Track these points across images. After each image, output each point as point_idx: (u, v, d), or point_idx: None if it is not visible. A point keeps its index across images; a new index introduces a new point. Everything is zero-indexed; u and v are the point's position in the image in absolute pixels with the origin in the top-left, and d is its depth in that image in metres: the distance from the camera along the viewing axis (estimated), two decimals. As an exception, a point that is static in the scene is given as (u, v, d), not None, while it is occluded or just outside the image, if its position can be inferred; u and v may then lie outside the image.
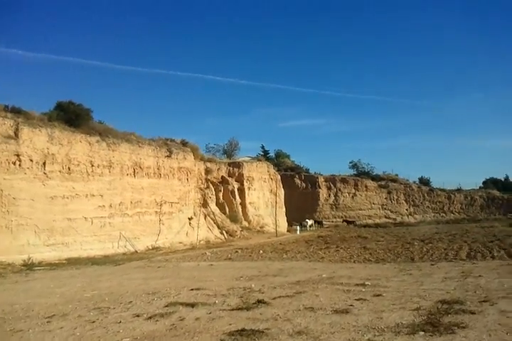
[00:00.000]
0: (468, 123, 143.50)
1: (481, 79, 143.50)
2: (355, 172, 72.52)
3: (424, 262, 16.35)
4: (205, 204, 39.66)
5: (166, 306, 9.20)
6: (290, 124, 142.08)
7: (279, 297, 9.84)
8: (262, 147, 78.29)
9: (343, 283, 11.69)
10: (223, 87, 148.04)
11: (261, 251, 24.17)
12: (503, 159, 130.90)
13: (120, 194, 28.62)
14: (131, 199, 29.43)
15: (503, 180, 79.17)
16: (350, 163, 73.04)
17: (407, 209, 68.47)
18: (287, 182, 66.23)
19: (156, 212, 31.34)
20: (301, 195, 66.60)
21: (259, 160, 50.93)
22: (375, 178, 70.47)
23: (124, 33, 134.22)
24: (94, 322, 8.04)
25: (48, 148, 24.45)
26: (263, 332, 6.73)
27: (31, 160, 23.65)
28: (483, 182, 78.20)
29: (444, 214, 67.84)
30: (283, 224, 51.02)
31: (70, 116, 26.33)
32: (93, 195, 26.86)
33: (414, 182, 72.31)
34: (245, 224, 44.77)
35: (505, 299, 8.50)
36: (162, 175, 32.23)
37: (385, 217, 67.70)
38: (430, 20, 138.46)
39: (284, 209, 52.44)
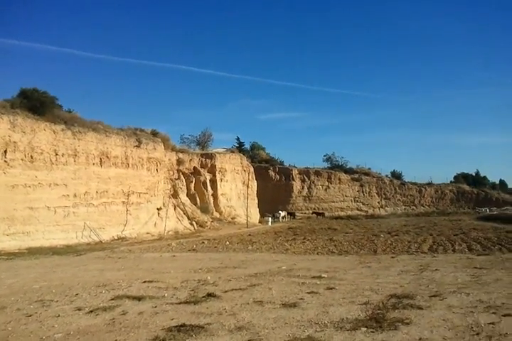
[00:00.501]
0: (442, 119, 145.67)
1: (458, 74, 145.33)
2: (329, 166, 72.82)
3: (385, 254, 16.34)
4: (175, 194, 39.19)
5: (112, 299, 8.87)
6: (267, 117, 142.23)
7: (232, 290, 9.60)
8: (238, 139, 77.71)
9: (300, 276, 11.53)
10: (202, 79, 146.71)
11: (227, 242, 23.96)
12: (475, 154, 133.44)
13: (85, 183, 28.01)
14: (97, 189, 28.83)
15: (473, 174, 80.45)
16: (324, 156, 73.38)
17: (378, 202, 69.18)
18: (261, 174, 66.16)
19: (123, 202, 30.80)
20: (275, 186, 66.64)
21: (232, 151, 50.51)
22: (349, 171, 70.93)
23: (98, 21, 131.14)
24: (31, 315, 7.67)
25: (9, 136, 23.69)
26: (203, 327, 6.48)
27: (-9, 148, 22.89)
28: (454, 177, 79.43)
29: (414, 207, 68.80)
30: (255, 215, 50.93)
31: (34, 104, 25.57)
32: (57, 184, 26.21)
33: (387, 175, 73.02)
34: (217, 215, 44.49)
35: (456, 294, 8.42)
36: (130, 165, 31.66)
37: (357, 209, 68.26)
38: (417, 8, 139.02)
39: (256, 200, 52.30)
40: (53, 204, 25.82)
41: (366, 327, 6.23)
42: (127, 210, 31.00)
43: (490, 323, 6.22)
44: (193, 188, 43.05)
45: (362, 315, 6.87)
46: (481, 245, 18.17)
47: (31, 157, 24.88)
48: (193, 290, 9.76)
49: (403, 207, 69.10)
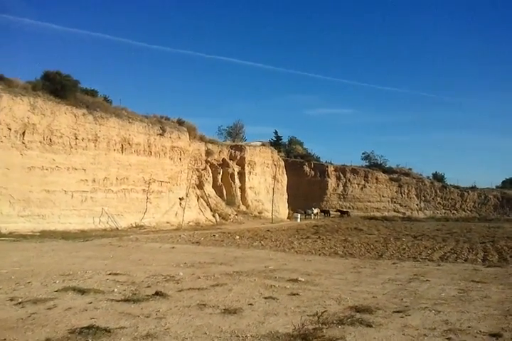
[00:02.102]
0: (493, 121, 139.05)
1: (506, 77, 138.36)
2: (367, 164, 70.81)
3: (390, 260, 15.22)
4: (200, 185, 38.92)
5: (57, 291, 8.39)
6: (314, 113, 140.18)
7: (189, 289, 8.94)
8: (276, 132, 76.85)
9: (277, 278, 10.71)
10: (250, 72, 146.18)
11: (237, 237, 23.33)
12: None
13: (105, 169, 28.01)
14: (117, 176, 28.80)
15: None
16: (362, 154, 71.40)
17: (417, 204, 66.67)
18: (296, 169, 65.18)
19: (144, 190, 30.69)
20: (309, 183, 65.45)
21: (263, 145, 49.68)
22: (387, 171, 68.65)
23: (128, 7, 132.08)
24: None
25: (28, 118, 23.85)
26: (110, 331, 5.83)
27: (9, 129, 23.10)
28: (503, 182, 75.75)
29: (455, 212, 65.88)
30: (283, 210, 50.10)
31: (56, 87, 25.67)
32: (75, 169, 26.30)
33: (428, 177, 70.26)
34: (243, 208, 43.94)
35: (424, 311, 7.42)
36: (153, 153, 31.47)
37: (394, 211, 66.05)
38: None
39: (285, 195, 51.38)
40: (70, 189, 25.93)
41: (286, 345, 5.40)
42: (147, 198, 30.87)
43: (433, 352, 5.26)
44: (220, 180, 42.63)
45: (296, 330, 6.01)
46: (500, 255, 16.70)
47: (50, 140, 25.03)
48: (149, 286, 9.16)
49: (443, 210, 66.28)
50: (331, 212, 60.40)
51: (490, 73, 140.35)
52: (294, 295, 8.62)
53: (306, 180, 65.62)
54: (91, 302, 7.55)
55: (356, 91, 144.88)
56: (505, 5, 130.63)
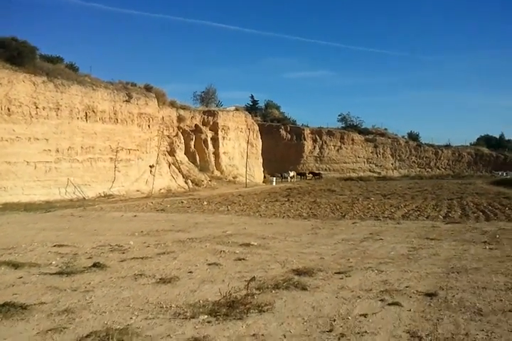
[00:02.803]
0: (467, 80, 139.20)
1: (487, 36, 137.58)
2: (343, 126, 70.64)
3: (351, 219, 15.13)
4: (172, 152, 38.33)
5: (-10, 266, 7.98)
6: (292, 75, 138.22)
7: (132, 259, 8.64)
8: (252, 97, 75.99)
9: (230, 243, 10.48)
10: (227, 36, 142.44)
11: (205, 203, 23.05)
12: (501, 117, 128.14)
13: (69, 138, 27.15)
14: (82, 145, 27.98)
15: (497, 137, 77.34)
16: (338, 115, 71.21)
17: (392, 164, 67.25)
18: (272, 133, 64.78)
19: (111, 158, 29.98)
20: (285, 146, 65.25)
21: (236, 109, 48.85)
22: (363, 132, 68.75)
23: None
24: None
25: (-18, 87, 22.75)
26: (27, 308, 5.48)
27: (-39, 100, 22.06)
28: (478, 139, 76.56)
29: (429, 170, 66.72)
30: (259, 175, 49.94)
31: (12, 54, 24.33)
32: (37, 139, 25.41)
33: (403, 136, 70.55)
34: (217, 173, 43.60)
35: (367, 271, 7.26)
36: (119, 121, 30.58)
37: (370, 171, 66.58)
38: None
39: (260, 160, 51.10)
40: (33, 159, 25.10)
41: (210, 314, 5.14)
42: (115, 167, 30.20)
43: (361, 315, 5.04)
44: (193, 146, 42.00)
45: (224, 297, 5.75)
46: (463, 212, 16.75)
47: (8, 110, 23.94)
48: (90, 257, 8.83)
49: (418, 169, 67.04)
50: (307, 175, 60.56)
51: (464, 31, 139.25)
52: (240, 260, 8.38)
53: (282, 144, 65.40)
54: (21, 277, 7.19)
55: (335, 52, 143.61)
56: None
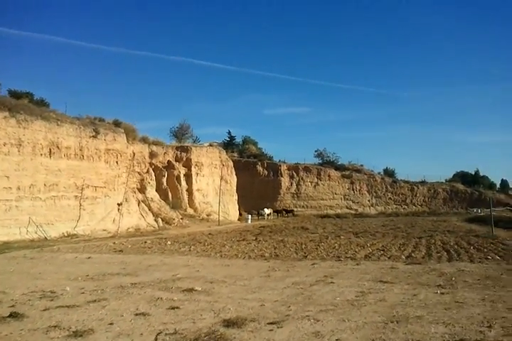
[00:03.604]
0: (441, 117, 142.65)
1: (463, 73, 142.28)
2: (320, 162, 70.83)
3: (312, 260, 14.56)
4: (142, 189, 37.62)
5: None
6: (272, 112, 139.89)
7: (58, 307, 8.00)
8: (229, 132, 76.19)
9: (173, 288, 9.86)
10: (207, 72, 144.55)
11: (169, 243, 22.29)
12: (476, 153, 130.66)
13: (31, 175, 26.39)
14: (45, 182, 27.20)
15: (473, 173, 78.12)
16: (315, 151, 71.36)
17: (369, 200, 67.19)
18: (249, 169, 64.56)
19: (76, 196, 29.17)
20: (262, 182, 64.87)
21: (210, 145, 48.69)
22: (340, 168, 68.92)
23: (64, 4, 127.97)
24: None
25: None
26: None
27: None
28: (453, 175, 77.20)
29: (406, 207, 66.76)
30: (233, 212, 49.35)
31: (-29, 89, 23.95)
32: (-3, 176, 24.62)
33: (379, 173, 70.92)
34: (190, 211, 42.89)
35: (303, 320, 6.75)
36: (85, 157, 29.99)
37: (347, 208, 66.34)
38: (420, 8, 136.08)
39: (235, 197, 50.63)
40: (-8, 198, 24.27)
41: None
42: (80, 205, 29.36)
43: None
44: (165, 182, 41.41)
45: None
46: (427, 251, 16.33)
47: (-34, 146, 23.37)
48: (13, 306, 8.17)
49: (394, 205, 67.05)
50: (283, 212, 60.02)
51: (440, 67, 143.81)
52: (174, 309, 7.76)
53: (259, 180, 65.03)
54: None
55: (314, 89, 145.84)
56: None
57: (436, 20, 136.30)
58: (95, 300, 8.53)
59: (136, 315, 7.36)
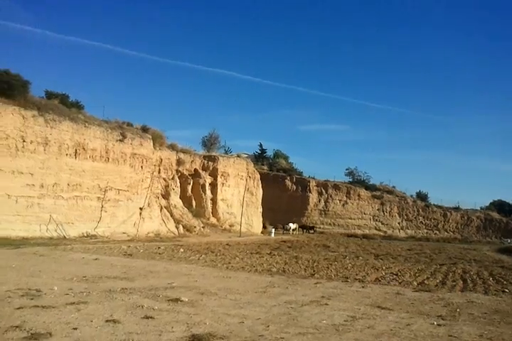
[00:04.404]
0: (480, 144, 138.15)
1: (496, 99, 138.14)
2: (350, 180, 69.64)
3: (318, 279, 13.97)
4: (166, 195, 37.68)
5: None
6: (306, 128, 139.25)
7: (33, 307, 7.80)
8: (260, 145, 75.99)
9: (161, 296, 9.53)
10: (245, 86, 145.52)
11: (182, 250, 22.04)
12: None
13: (55, 174, 26.81)
14: (69, 182, 27.58)
15: (511, 203, 75.33)
16: (346, 169, 70.23)
17: (399, 223, 65.37)
18: (277, 183, 64.16)
19: (99, 197, 29.43)
20: (290, 197, 64.24)
21: (238, 156, 48.56)
22: (370, 188, 67.49)
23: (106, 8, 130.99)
24: None
25: (-31, 117, 22.77)
26: None
27: (-51, 128, 22.00)
28: (490, 204, 74.57)
29: (437, 232, 64.57)
30: (257, 224, 48.85)
31: (3, 86, 24.54)
32: (21, 173, 25.15)
33: (411, 195, 69.09)
34: (213, 220, 42.71)
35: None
36: (110, 160, 30.29)
37: (375, 229, 64.72)
38: (430, 34, 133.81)
39: (260, 209, 50.12)
40: (15, 193, 24.70)
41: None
42: (102, 207, 29.59)
43: None
44: (190, 190, 41.46)
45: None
46: (443, 279, 15.45)
47: (-7, 141, 23.91)
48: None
49: (425, 230, 64.93)
50: (310, 228, 59.02)
51: (482, 94, 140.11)
52: (148, 318, 7.42)
53: (287, 195, 64.44)
54: None
55: (350, 108, 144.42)
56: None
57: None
58: (74, 303, 8.28)
59: (107, 321, 7.05)
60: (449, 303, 10.37)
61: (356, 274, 15.72)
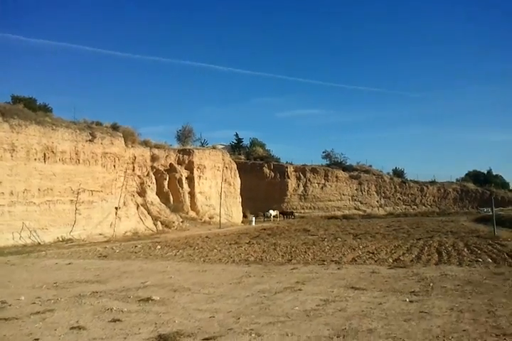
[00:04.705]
0: (453, 117, 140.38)
1: (472, 72, 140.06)
2: (328, 163, 69.96)
3: (295, 264, 13.94)
4: (142, 192, 37.19)
5: None
6: (281, 115, 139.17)
7: (-5, 319, 7.45)
8: (236, 135, 75.87)
9: (132, 297, 9.33)
10: (218, 76, 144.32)
11: (158, 247, 21.80)
12: (489, 153, 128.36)
13: (25, 180, 26.07)
14: (39, 187, 26.87)
15: (485, 173, 76.75)
16: (323, 152, 70.48)
17: (377, 201, 66.15)
18: (256, 171, 64.02)
19: (72, 200, 28.79)
20: (269, 184, 64.17)
21: (213, 147, 48.23)
22: (348, 169, 67.96)
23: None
24: None
25: None
26: None
27: None
28: (465, 175, 75.84)
29: (415, 207, 65.60)
30: (237, 214, 48.77)
31: (-39, 94, 23.73)
32: (-11, 182, 24.38)
33: (388, 173, 69.81)
34: (192, 214, 42.39)
35: (244, 335, 6.17)
36: (81, 161, 29.59)
37: (355, 209, 65.36)
38: (426, 6, 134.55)
39: (239, 199, 50.04)
40: (-16, 203, 24.03)
41: None
42: (76, 209, 28.98)
43: None
44: (166, 186, 40.96)
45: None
46: (418, 253, 15.60)
47: (-43, 152, 23.15)
48: None
49: (403, 206, 65.89)
50: (294, 213, 59.28)
51: (454, 67, 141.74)
52: (115, 321, 7.23)
53: (266, 182, 64.35)
54: None
55: (324, 91, 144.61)
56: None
57: (450, 21, 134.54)
58: (39, 312, 8.03)
59: (71, 328, 6.84)
60: (423, 278, 10.43)
61: (333, 256, 15.76)
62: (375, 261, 14.01)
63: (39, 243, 25.63)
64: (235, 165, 50.48)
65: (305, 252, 17.34)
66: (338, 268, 12.59)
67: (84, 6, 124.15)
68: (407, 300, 8.05)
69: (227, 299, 8.83)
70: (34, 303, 8.96)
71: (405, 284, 9.77)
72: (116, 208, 32.16)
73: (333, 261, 14.40)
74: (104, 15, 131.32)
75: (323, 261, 14.47)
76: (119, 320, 7.28)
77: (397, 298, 8.33)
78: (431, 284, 9.56)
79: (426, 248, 17.48)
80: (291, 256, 16.13)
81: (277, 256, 16.41)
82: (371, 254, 15.72)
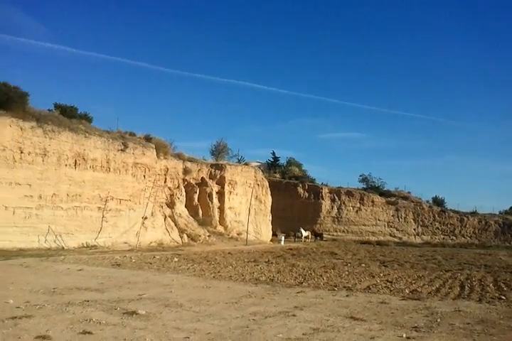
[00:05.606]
0: (499, 148, 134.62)
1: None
2: (364, 187, 68.42)
3: (303, 288, 13.26)
4: (171, 204, 37.26)
5: None
6: (323, 136, 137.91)
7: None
8: (273, 153, 75.49)
9: (119, 309, 9.02)
10: (262, 95, 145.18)
11: (176, 259, 21.50)
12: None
13: (54, 185, 26.57)
14: (68, 192, 27.31)
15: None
16: (360, 176, 68.96)
17: (414, 229, 63.84)
18: (289, 190, 63.40)
19: (99, 207, 29.11)
20: (302, 204, 63.25)
21: (246, 164, 48.04)
22: (385, 194, 66.13)
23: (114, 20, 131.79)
24: None
25: (-36, 130, 22.70)
26: None
27: None
28: (510, 208, 72.50)
29: (454, 237, 62.86)
30: (266, 232, 48.15)
31: (1, 98, 24.52)
32: (19, 184, 24.92)
33: (427, 201, 67.50)
34: (220, 229, 42.10)
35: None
36: (112, 170, 29.98)
37: (390, 235, 63.29)
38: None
39: (269, 217, 49.47)
40: (12, 204, 24.49)
41: None
42: (103, 217, 29.25)
43: None
44: (196, 199, 40.96)
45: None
46: (439, 286, 14.59)
47: (-10, 153, 23.79)
48: None
49: (441, 236, 63.23)
50: (324, 235, 58.06)
51: (500, 97, 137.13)
52: (86, 334, 6.88)
53: (299, 202, 63.47)
54: None
55: (366, 115, 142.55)
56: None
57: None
58: (16, 317, 7.78)
59: (36, 337, 6.53)
60: (433, 313, 9.60)
61: (347, 282, 14.97)
62: (390, 291, 13.16)
63: (63, 247, 25.92)
64: (266, 183, 50.05)
65: (320, 276, 16.59)
66: (347, 296, 11.85)
67: (126, 20, 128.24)
68: (404, 335, 7.32)
69: (214, 319, 8.33)
70: (18, 308, 8.74)
71: (411, 318, 8.99)
72: (143, 218, 32.26)
73: (345, 287, 13.64)
74: (149, 31, 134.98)
75: (335, 286, 13.73)
76: (89, 333, 6.92)
77: (395, 332, 7.61)
78: (438, 320, 8.75)
79: (450, 280, 16.40)
80: (304, 279, 15.45)
81: (290, 278, 15.77)
82: (389, 283, 14.84)
